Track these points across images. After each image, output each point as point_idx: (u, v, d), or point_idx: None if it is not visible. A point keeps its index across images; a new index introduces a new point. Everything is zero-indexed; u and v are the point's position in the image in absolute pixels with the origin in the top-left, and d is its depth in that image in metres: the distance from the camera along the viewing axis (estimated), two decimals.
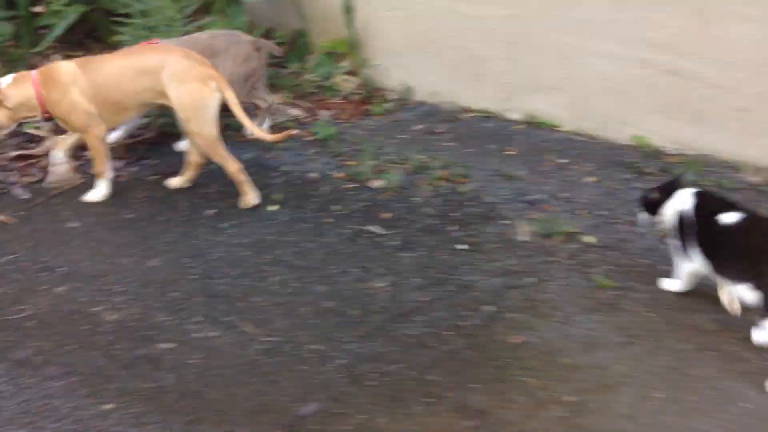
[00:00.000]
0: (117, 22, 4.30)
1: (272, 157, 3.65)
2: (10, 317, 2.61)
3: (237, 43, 3.51)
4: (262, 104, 3.79)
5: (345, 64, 4.40)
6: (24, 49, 4.30)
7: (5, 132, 3.29)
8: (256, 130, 3.20)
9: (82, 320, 2.60)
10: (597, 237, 2.99)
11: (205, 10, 4.25)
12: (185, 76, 3.03)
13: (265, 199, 3.30)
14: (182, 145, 3.57)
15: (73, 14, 4.19)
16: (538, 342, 2.46)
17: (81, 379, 2.35)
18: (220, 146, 3.16)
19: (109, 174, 3.29)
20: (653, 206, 2.64)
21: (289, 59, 4.43)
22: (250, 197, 3.23)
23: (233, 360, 2.43)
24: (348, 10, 4.28)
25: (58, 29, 4.18)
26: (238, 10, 4.25)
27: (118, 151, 3.59)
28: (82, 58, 3.26)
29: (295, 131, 3.47)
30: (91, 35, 4.55)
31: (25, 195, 3.33)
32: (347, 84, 4.35)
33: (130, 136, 3.73)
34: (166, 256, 2.94)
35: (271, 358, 2.43)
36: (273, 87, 4.25)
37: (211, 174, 3.48)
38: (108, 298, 2.71)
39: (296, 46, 4.49)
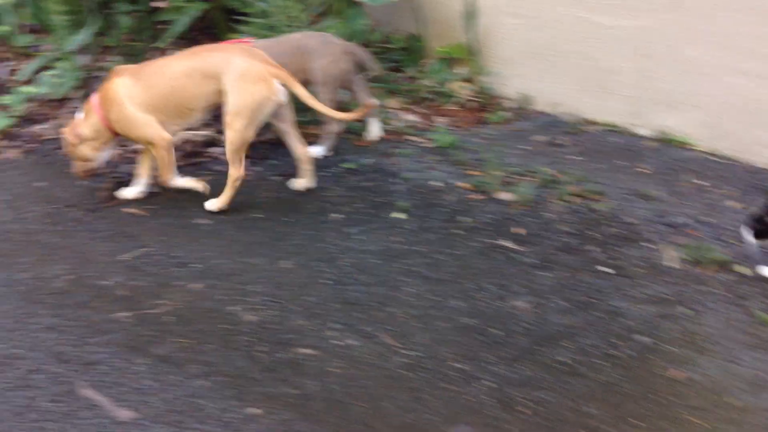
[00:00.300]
0: (234, 20, 4.37)
1: (392, 164, 3.59)
2: (149, 311, 2.62)
3: (328, 44, 3.49)
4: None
5: (461, 70, 4.31)
6: (143, 43, 4.39)
7: (97, 164, 3.25)
8: (326, 109, 3.17)
9: (220, 319, 2.59)
10: (750, 268, 2.81)
11: (322, 12, 4.25)
12: (248, 76, 2.97)
13: (390, 207, 3.24)
14: (316, 151, 3.59)
15: (194, 11, 4.24)
16: (701, 379, 2.30)
17: (224, 379, 2.32)
18: (244, 151, 3.10)
19: (174, 180, 3.22)
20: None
21: (404, 64, 4.37)
22: (222, 203, 3.15)
23: (375, 371, 2.36)
24: (469, 16, 4.19)
25: (180, 25, 4.24)
26: (358, 13, 4.22)
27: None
28: (137, 66, 3.15)
29: (374, 102, 3.33)
30: (205, 31, 4.60)
31: (152, 189, 3.37)
32: (463, 91, 4.26)
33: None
34: (297, 258, 2.91)
35: (414, 373, 2.35)
36: (388, 92, 4.22)
37: (334, 178, 3.45)
38: (243, 297, 2.69)
39: (411, 50, 4.43)
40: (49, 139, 3.80)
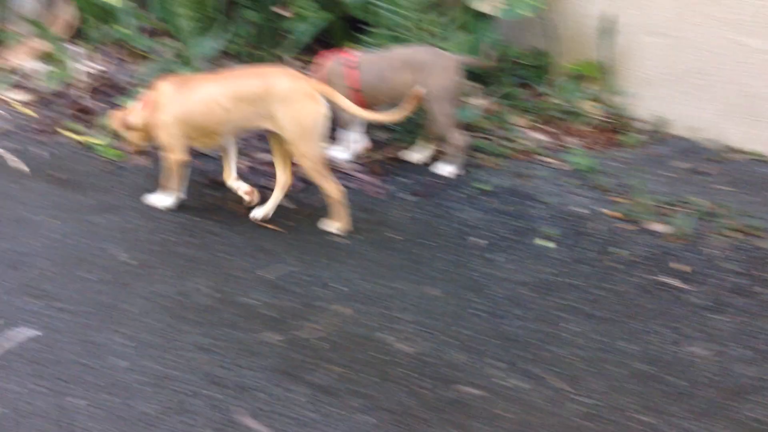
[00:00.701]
0: (356, 29, 4.28)
1: (528, 186, 3.41)
2: (298, 334, 2.51)
3: (441, 57, 3.34)
4: None
5: (592, 88, 4.11)
6: (264, 51, 4.34)
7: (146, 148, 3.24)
8: (371, 116, 3.01)
9: (373, 347, 2.46)
10: None
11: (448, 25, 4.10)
12: (293, 96, 2.84)
13: (533, 233, 3.07)
14: (448, 170, 3.46)
15: (320, 21, 4.16)
16: None
17: (389, 416, 2.18)
18: (326, 167, 2.98)
19: (176, 192, 3.17)
20: None
21: (531, 80, 4.19)
22: (339, 225, 3.04)
23: (551, 419, 2.19)
24: (606, 33, 3.99)
25: (305, 35, 4.16)
26: (487, 26, 4.06)
27: (374, 169, 3.50)
28: (182, 78, 3.12)
29: (420, 91, 3.13)
30: (320, 40, 4.53)
31: (291, 205, 3.27)
32: (594, 110, 4.06)
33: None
34: (442, 285, 2.76)
35: (594, 423, 2.17)
36: (515, 109, 4.05)
37: (468, 199, 3.30)
38: (393, 325, 2.56)
39: (539, 67, 4.25)
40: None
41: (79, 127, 3.87)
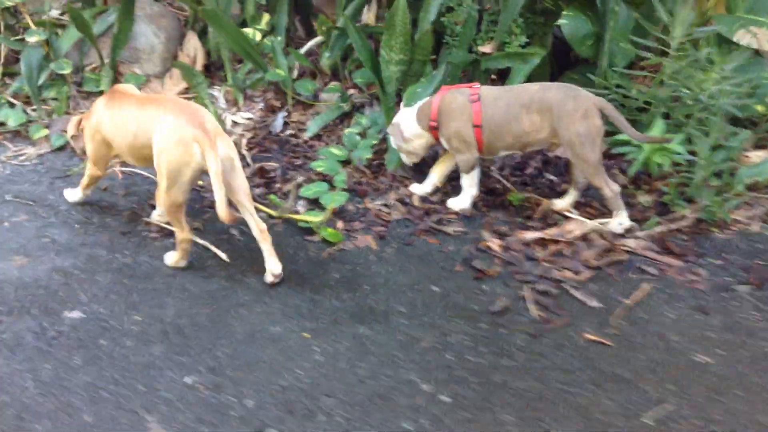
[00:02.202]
0: (567, 66, 3.60)
1: None
2: None
3: (575, 98, 2.76)
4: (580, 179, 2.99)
5: None
6: None
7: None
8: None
9: None
10: None
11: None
12: (172, 136, 2.51)
13: None
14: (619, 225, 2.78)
15: (535, 58, 3.41)
16: None
17: None
18: (182, 212, 2.61)
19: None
20: None
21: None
22: (175, 260, 2.72)
23: None
24: None
25: (519, 75, 3.37)
26: (759, 65, 3.31)
27: (667, 245, 2.79)
28: (121, 92, 2.79)
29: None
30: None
31: (593, 302, 2.55)
32: None
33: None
34: None
35: None
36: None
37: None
38: None
39: None
40: (399, 220, 3.02)
41: (273, 197, 3.08)
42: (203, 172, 2.52)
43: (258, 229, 2.59)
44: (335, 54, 3.75)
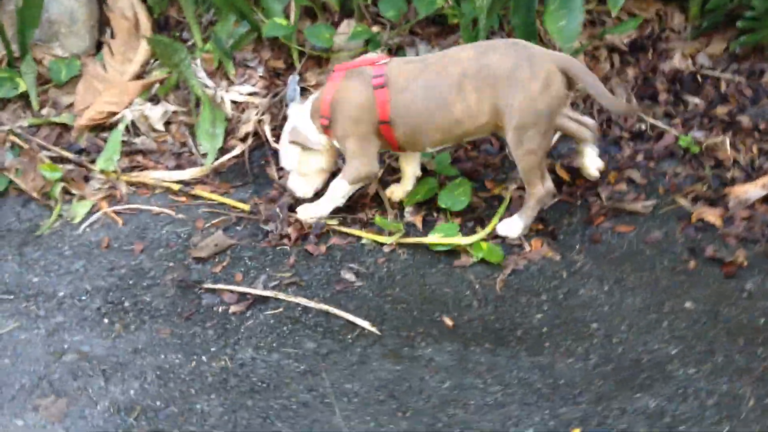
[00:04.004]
0: None
1: None
2: None
3: (529, 61, 1.93)
4: (586, 133, 2.14)
5: None
6: None
7: None
8: None
9: None
10: None
11: None
12: None
13: None
14: None
15: None
16: None
17: None
18: None
19: None
20: None
21: None
22: None
23: None
24: None
25: None
26: None
27: None
28: None
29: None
30: None
31: None
32: None
33: None
34: None
35: None
36: None
37: None
38: None
39: None
40: (555, 205, 2.13)
41: (379, 218, 2.11)
42: None
43: None
44: None
